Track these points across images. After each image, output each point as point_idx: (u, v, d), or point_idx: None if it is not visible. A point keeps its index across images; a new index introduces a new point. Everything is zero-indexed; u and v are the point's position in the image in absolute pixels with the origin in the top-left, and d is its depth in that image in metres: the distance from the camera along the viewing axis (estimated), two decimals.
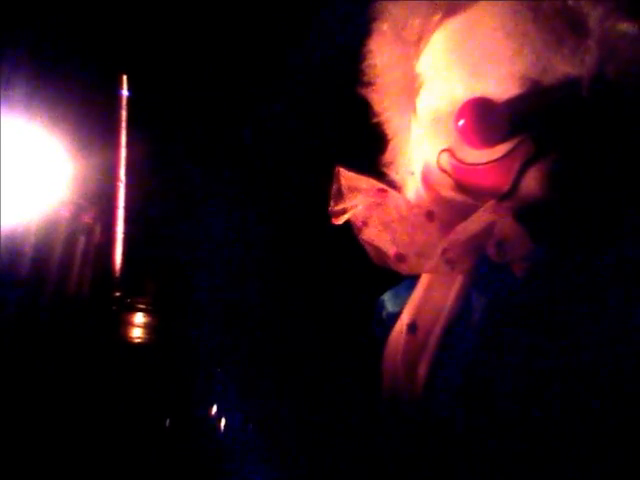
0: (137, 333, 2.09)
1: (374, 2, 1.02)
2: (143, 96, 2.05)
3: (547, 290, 0.86)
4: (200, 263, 2.12)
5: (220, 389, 2.02)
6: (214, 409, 2.00)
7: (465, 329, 0.92)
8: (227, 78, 2.08)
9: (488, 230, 0.88)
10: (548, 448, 0.84)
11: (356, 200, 0.98)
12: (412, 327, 0.98)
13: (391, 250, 0.96)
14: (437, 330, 0.94)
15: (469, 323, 0.91)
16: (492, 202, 0.88)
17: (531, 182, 0.87)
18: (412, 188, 1.03)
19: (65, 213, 1.92)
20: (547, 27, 0.89)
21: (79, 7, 1.94)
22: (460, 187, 0.92)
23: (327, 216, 0.99)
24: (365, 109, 1.06)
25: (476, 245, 0.89)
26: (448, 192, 0.94)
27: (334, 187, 0.99)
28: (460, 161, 0.91)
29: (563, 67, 0.88)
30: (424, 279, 1.00)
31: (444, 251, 0.90)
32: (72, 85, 1.96)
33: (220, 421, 1.99)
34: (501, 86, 0.90)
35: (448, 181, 0.93)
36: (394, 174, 1.07)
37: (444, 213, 0.95)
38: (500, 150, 0.88)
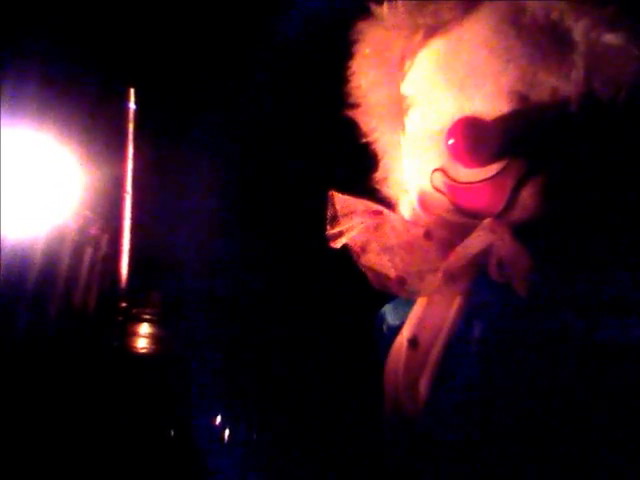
0: (143, 343, 2.09)
1: (354, 24, 1.02)
2: (150, 109, 2.07)
3: (548, 308, 0.86)
4: (205, 273, 2.12)
5: (224, 399, 2.02)
6: (218, 419, 2.01)
7: (466, 345, 0.91)
8: (233, 92, 2.09)
9: (487, 250, 0.87)
10: (550, 464, 0.84)
11: (352, 222, 0.98)
12: (413, 342, 0.97)
13: (391, 273, 0.96)
14: (438, 346, 0.93)
15: (470, 339, 0.91)
16: (489, 220, 0.88)
17: (527, 198, 0.87)
18: (406, 204, 1.03)
19: (72, 225, 1.93)
20: (531, 42, 0.89)
21: (89, 21, 1.95)
22: (455, 206, 0.92)
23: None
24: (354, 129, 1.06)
25: (476, 264, 0.89)
26: (444, 211, 0.94)
27: (329, 212, 0.99)
28: (453, 180, 0.91)
29: (550, 81, 0.87)
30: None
31: (444, 273, 0.90)
32: (80, 98, 1.97)
33: (224, 431, 2.00)
34: (489, 103, 0.89)
35: (443, 200, 0.93)
36: (387, 190, 1.07)
37: (442, 231, 0.94)
38: (493, 168, 0.88)
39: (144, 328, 2.10)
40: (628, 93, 0.85)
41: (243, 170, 2.07)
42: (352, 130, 1.06)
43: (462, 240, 0.89)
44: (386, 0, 0.99)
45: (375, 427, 1.05)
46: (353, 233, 0.98)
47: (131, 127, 2.02)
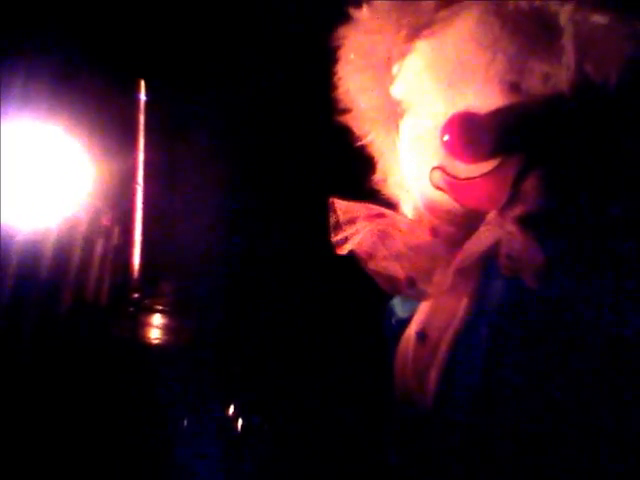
0: (155, 334, 2.10)
1: (335, 29, 1.01)
2: (161, 100, 2.06)
3: (559, 300, 0.85)
4: (217, 264, 2.13)
5: (237, 389, 2.03)
6: (231, 409, 2.01)
7: (475, 339, 0.91)
8: (244, 82, 2.09)
9: (496, 245, 0.87)
10: (558, 456, 0.84)
11: (355, 228, 0.98)
12: (421, 336, 0.98)
13: (400, 275, 0.96)
14: (447, 339, 0.94)
15: (479, 333, 0.91)
16: (493, 213, 0.88)
17: (530, 190, 0.87)
18: (409, 204, 1.03)
19: (84, 216, 1.94)
20: (518, 31, 0.88)
21: (98, 12, 1.95)
22: (458, 202, 0.92)
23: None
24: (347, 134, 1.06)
25: (485, 259, 0.89)
26: (447, 208, 0.93)
27: (331, 219, 0.99)
28: (453, 177, 0.90)
29: (541, 68, 0.87)
30: None
31: (455, 271, 0.90)
32: (91, 89, 1.97)
33: (237, 421, 2.00)
34: (481, 97, 0.89)
35: (445, 197, 0.93)
36: (388, 191, 1.07)
37: (448, 228, 0.94)
38: (492, 162, 0.88)
39: (156, 319, 2.11)
40: (620, 73, 0.83)
41: (250, 162, 2.07)
42: (347, 135, 1.06)
43: (469, 235, 0.89)
44: (365, 3, 0.98)
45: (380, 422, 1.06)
46: (358, 238, 0.98)
47: (142, 118, 2.02)
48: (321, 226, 1.00)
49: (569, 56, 0.85)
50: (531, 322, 0.86)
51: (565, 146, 0.86)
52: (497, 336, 0.89)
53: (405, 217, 1.02)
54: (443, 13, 0.92)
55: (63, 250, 1.88)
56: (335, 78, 1.05)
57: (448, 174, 0.91)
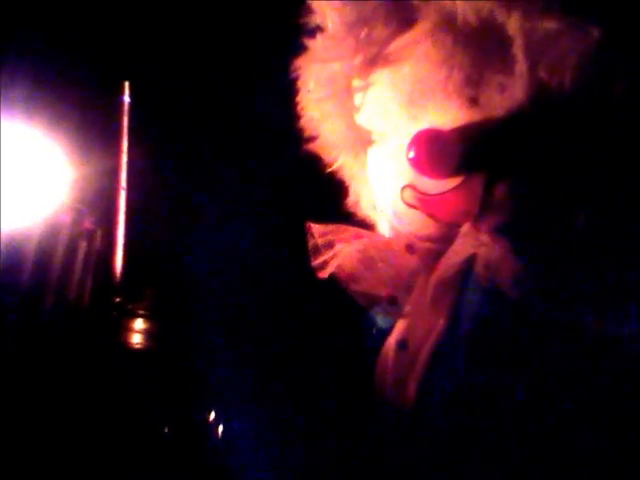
0: (137, 339, 2.08)
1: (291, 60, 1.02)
2: (145, 102, 2.05)
3: (538, 307, 0.86)
4: (201, 269, 2.12)
5: (219, 394, 2.02)
6: (212, 415, 2.00)
7: (454, 348, 0.92)
8: (230, 84, 2.08)
9: (473, 256, 0.88)
10: (540, 465, 0.84)
11: (334, 250, 1.00)
12: (402, 344, 0.99)
13: (382, 293, 0.98)
14: (426, 349, 0.95)
15: (457, 343, 0.92)
16: (467, 225, 0.89)
17: (500, 200, 0.88)
18: (384, 223, 1.04)
19: (66, 218, 1.92)
20: (470, 45, 0.89)
21: (82, 12, 1.94)
22: (431, 217, 0.93)
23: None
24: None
25: (463, 271, 0.90)
26: (422, 224, 0.95)
27: (310, 243, 1.01)
28: (423, 194, 0.92)
29: (497, 79, 0.88)
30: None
31: (435, 285, 0.91)
32: (74, 90, 1.96)
33: (218, 427, 1.99)
34: (441, 112, 0.91)
35: (418, 214, 0.94)
36: (362, 213, 1.09)
37: (424, 244, 0.96)
38: (460, 175, 0.89)
39: (139, 323, 2.09)
40: (574, 76, 0.84)
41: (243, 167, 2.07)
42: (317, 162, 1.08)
43: (445, 249, 0.91)
44: (318, 32, 1.00)
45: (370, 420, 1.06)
46: (337, 261, 1.00)
47: (126, 120, 2.00)
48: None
49: (521, 64, 0.86)
50: (508, 331, 0.87)
51: (530, 153, 0.87)
52: (478, 344, 0.90)
53: (382, 236, 1.04)
54: (397, 43, 0.93)
55: (45, 253, 1.86)
56: (298, 107, 1.06)
57: (418, 191, 0.93)
